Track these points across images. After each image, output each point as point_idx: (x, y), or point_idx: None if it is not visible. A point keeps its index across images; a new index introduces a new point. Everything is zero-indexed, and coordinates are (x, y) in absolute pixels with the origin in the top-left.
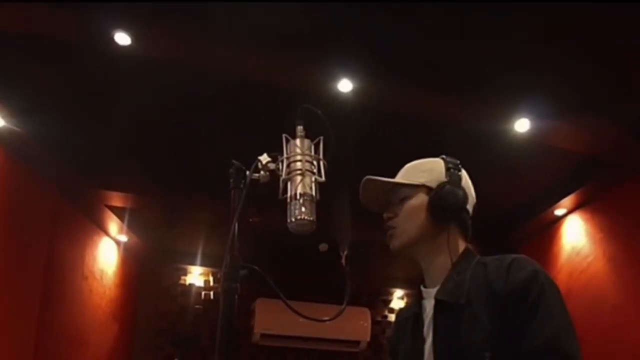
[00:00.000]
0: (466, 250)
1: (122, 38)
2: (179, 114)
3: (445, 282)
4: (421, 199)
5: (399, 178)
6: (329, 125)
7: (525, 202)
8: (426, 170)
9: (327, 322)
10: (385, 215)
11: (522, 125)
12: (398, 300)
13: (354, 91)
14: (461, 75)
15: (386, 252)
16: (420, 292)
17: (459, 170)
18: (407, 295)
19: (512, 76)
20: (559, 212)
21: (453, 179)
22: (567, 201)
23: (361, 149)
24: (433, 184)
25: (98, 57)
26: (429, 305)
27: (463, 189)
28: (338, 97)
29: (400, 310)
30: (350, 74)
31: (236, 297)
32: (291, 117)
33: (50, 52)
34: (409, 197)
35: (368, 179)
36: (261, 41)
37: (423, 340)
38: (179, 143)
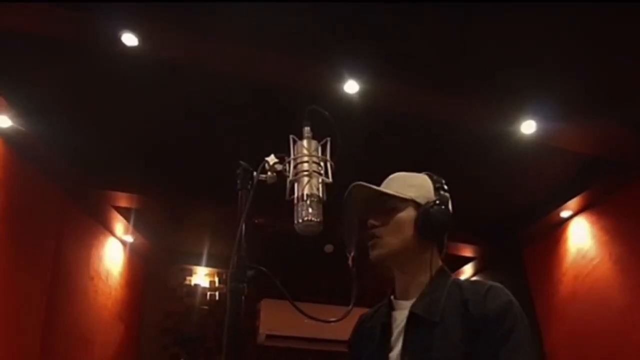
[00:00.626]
0: (442, 268)
1: (130, 39)
2: (186, 115)
3: (421, 297)
4: (410, 213)
5: (387, 188)
6: (336, 126)
7: (531, 204)
8: (415, 185)
9: (333, 323)
10: (370, 222)
11: (528, 126)
12: None
13: (360, 92)
14: (468, 77)
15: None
16: (390, 302)
17: (446, 191)
18: None
19: (518, 78)
20: (565, 214)
21: (442, 199)
22: (573, 203)
23: (368, 150)
24: (422, 200)
25: (105, 58)
26: (400, 316)
27: (449, 211)
28: (344, 98)
29: (365, 316)
30: (357, 76)
31: (243, 297)
32: (298, 118)
33: (58, 53)
34: (398, 210)
35: (358, 185)
36: (268, 42)
37: (389, 349)
38: (185, 143)
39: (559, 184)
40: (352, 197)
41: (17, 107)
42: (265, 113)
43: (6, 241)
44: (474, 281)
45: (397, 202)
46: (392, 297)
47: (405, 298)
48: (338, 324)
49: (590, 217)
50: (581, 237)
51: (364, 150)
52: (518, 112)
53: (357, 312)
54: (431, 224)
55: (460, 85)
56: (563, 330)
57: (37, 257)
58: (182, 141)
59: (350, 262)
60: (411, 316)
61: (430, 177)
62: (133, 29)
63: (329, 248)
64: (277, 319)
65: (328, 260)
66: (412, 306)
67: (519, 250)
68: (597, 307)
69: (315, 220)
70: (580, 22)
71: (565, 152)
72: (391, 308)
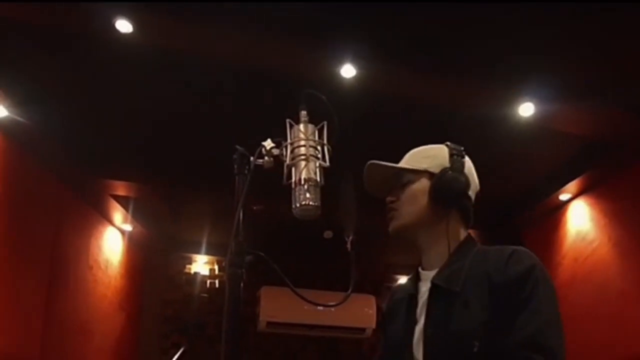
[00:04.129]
0: (467, 238)
1: (124, 25)
2: (183, 102)
3: (444, 267)
4: (423, 184)
5: (403, 163)
6: (333, 109)
7: (530, 187)
8: (429, 156)
9: (332, 309)
10: (387, 198)
11: (526, 109)
12: None
13: (356, 76)
14: (465, 60)
15: (391, 238)
16: (417, 273)
17: (463, 157)
18: None
19: (516, 60)
20: (564, 197)
21: (456, 165)
22: (572, 186)
23: (365, 134)
24: (436, 170)
25: (100, 46)
26: (424, 287)
27: (465, 176)
28: (341, 82)
29: (396, 288)
30: (353, 59)
31: (241, 283)
32: (295, 102)
33: (53, 41)
34: (411, 182)
35: (372, 164)
36: (263, 27)
37: (415, 322)
38: (183, 131)
39: (557, 167)
40: (368, 176)
41: (13, 97)
42: (262, 98)
43: (4, 232)
44: (500, 247)
45: (410, 175)
46: (419, 268)
47: (430, 269)
48: (338, 310)
49: (589, 200)
50: (580, 220)
51: (361, 134)
52: (516, 95)
53: (356, 298)
54: (444, 192)
55: (457, 68)
56: (563, 313)
57: (35, 247)
58: (179, 128)
59: (349, 246)
60: (433, 287)
61: (448, 146)
62: (127, 16)
63: (328, 234)
64: (277, 306)
65: (328, 247)
66: (434, 277)
67: (519, 234)
68: (596, 290)
69: (313, 204)
70: (578, 3)
71: (563, 135)
72: (418, 279)
